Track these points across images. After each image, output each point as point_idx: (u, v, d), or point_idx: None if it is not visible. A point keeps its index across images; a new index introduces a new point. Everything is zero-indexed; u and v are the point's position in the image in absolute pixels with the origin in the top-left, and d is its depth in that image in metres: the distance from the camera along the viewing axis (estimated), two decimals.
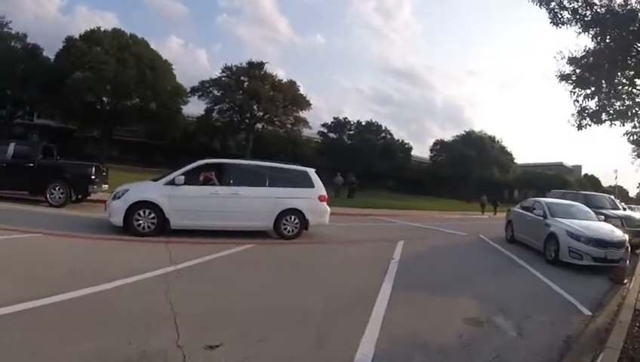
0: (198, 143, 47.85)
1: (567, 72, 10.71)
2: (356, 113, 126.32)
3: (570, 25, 9.82)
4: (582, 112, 10.68)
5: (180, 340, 3.74)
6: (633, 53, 9.45)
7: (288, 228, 9.97)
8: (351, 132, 61.73)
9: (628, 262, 8.87)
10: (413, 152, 65.73)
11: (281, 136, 52.78)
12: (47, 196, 12.21)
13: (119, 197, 8.87)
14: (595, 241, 9.22)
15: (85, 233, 8.56)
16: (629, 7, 8.99)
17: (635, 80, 10.08)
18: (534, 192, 48.08)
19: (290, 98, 51.02)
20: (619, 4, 9.09)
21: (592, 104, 10.60)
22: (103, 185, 13.66)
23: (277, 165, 10.64)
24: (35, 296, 4.45)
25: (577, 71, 10.49)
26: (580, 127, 10.78)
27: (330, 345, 4.04)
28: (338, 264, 8.20)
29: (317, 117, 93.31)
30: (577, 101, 10.65)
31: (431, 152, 67.32)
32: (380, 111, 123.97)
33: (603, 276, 8.65)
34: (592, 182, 71.04)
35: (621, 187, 63.72)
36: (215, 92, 50.30)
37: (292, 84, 52.59)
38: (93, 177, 12.86)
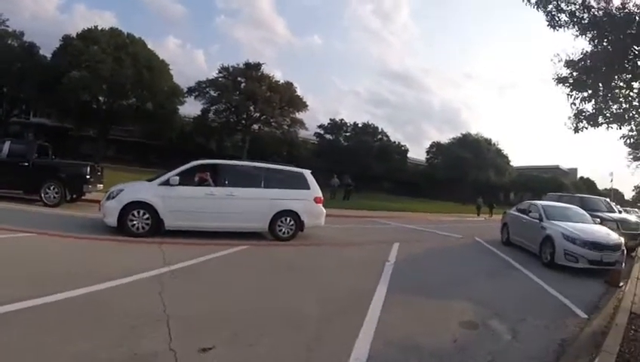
0: (194, 144, 47.71)
1: (565, 74, 10.69)
2: (352, 115, 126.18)
3: (568, 28, 9.80)
4: (579, 115, 10.66)
5: (172, 342, 3.70)
6: (630, 57, 9.44)
7: (283, 229, 9.93)
8: (347, 133, 61.78)
9: (624, 265, 8.90)
10: (409, 154, 66.04)
11: (277, 137, 52.72)
12: (42, 195, 12.11)
13: (113, 198, 8.80)
14: (591, 244, 9.22)
15: (79, 233, 8.47)
16: (626, 10, 8.98)
17: (632, 83, 10.07)
18: (530, 195, 48.25)
19: (287, 99, 51.01)
20: (616, 8, 9.09)
21: (588, 107, 10.59)
22: (98, 185, 13.59)
23: (272, 166, 10.58)
24: (28, 296, 4.40)
25: (574, 74, 10.46)
26: (576, 129, 10.75)
27: (323, 347, 4.00)
28: (333, 266, 8.16)
29: (313, 118, 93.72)
30: (574, 104, 10.64)
31: (427, 154, 67.63)
32: (376, 113, 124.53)
33: (599, 279, 8.65)
34: (588, 185, 71.20)
35: (617, 190, 63.77)
36: (212, 92, 50.22)
37: (289, 86, 52.60)
38: (87, 177, 12.77)
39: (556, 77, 10.83)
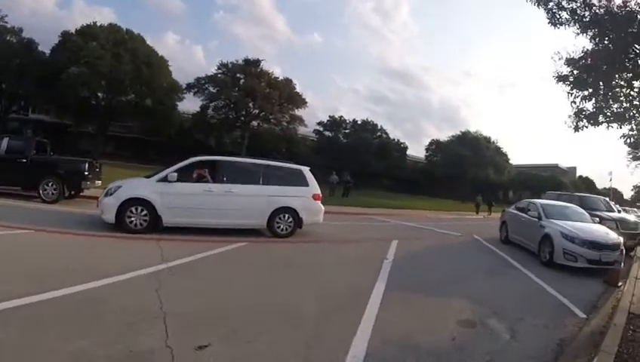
0: (193, 140, 47.57)
1: (565, 72, 10.65)
2: (352, 112, 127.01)
3: (569, 25, 9.78)
4: (579, 114, 10.64)
5: (169, 339, 3.68)
6: (631, 55, 9.41)
7: (282, 226, 9.91)
8: (346, 130, 61.77)
9: (622, 264, 8.87)
10: (408, 152, 65.98)
11: (276, 133, 52.60)
12: (40, 192, 12.06)
13: (111, 194, 8.76)
14: (590, 243, 9.20)
15: (77, 229, 8.45)
16: (627, 8, 8.95)
17: (633, 82, 10.04)
18: (529, 193, 48.32)
19: (286, 96, 50.89)
20: (618, 6, 9.06)
21: (589, 106, 10.56)
22: (97, 181, 13.52)
23: (271, 163, 10.56)
24: (26, 292, 4.38)
25: (575, 72, 10.43)
26: (576, 128, 10.73)
27: (321, 345, 3.98)
28: (331, 263, 8.14)
29: (313, 115, 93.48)
30: (575, 102, 10.61)
31: (426, 152, 67.47)
32: (375, 110, 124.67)
33: (597, 278, 8.63)
34: (587, 184, 71.25)
35: (616, 189, 63.82)
36: (211, 89, 50.10)
37: (288, 82, 52.49)
38: (86, 173, 12.71)
39: (557, 75, 10.80)
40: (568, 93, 10.62)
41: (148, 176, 9.50)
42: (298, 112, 53.35)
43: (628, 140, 11.37)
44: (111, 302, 4.51)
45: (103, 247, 7.42)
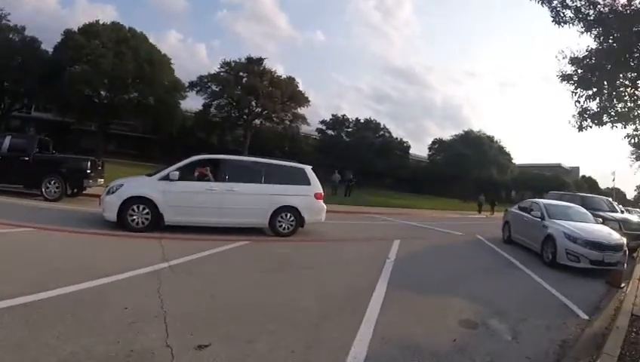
0: (195, 138, 47.65)
1: (569, 72, 10.55)
2: (354, 110, 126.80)
3: (573, 24, 9.68)
4: (583, 114, 10.55)
5: (169, 339, 3.67)
6: (636, 55, 9.32)
7: (284, 225, 9.90)
8: (349, 129, 61.80)
9: (625, 265, 8.81)
10: (411, 151, 65.98)
11: (279, 132, 52.62)
12: (43, 190, 12.12)
13: (113, 192, 8.77)
14: (593, 244, 9.16)
15: (79, 228, 8.46)
16: (632, 7, 8.86)
17: (638, 82, 9.94)
18: (531, 193, 48.20)
19: (289, 94, 50.89)
20: (622, 4, 8.96)
21: (593, 105, 10.46)
22: (99, 180, 13.59)
23: (273, 162, 10.56)
24: (27, 291, 4.38)
25: (579, 71, 10.34)
26: (580, 128, 10.64)
27: (322, 345, 3.96)
28: (333, 262, 8.13)
29: (315, 114, 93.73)
30: (579, 102, 10.51)
31: (429, 151, 67.51)
32: (378, 109, 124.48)
33: (600, 279, 8.59)
34: (590, 184, 71.13)
35: (619, 189, 63.76)
36: (213, 87, 50.13)
37: (291, 81, 52.52)
38: (88, 171, 12.75)
39: (561, 74, 10.70)
40: (572, 92, 10.53)
41: (150, 175, 9.50)
42: (300, 111, 53.53)
43: (632, 140, 11.26)
44: (112, 300, 4.50)
45: (104, 246, 7.41)
